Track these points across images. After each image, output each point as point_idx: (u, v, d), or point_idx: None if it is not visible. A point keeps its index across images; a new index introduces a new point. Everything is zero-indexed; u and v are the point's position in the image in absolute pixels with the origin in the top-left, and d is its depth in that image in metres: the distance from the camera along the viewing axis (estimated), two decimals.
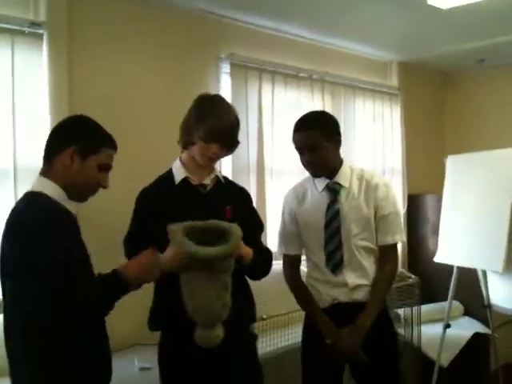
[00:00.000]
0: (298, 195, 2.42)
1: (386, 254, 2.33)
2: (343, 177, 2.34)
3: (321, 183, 2.35)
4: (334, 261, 2.28)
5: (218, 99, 2.18)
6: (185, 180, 2.10)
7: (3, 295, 1.66)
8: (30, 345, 1.59)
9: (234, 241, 1.89)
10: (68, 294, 1.53)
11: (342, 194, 2.31)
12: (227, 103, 2.17)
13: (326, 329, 2.26)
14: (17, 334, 1.62)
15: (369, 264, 2.31)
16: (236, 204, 2.15)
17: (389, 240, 2.32)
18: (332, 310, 2.28)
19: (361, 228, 2.29)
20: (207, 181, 2.14)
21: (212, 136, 2.03)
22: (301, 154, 2.31)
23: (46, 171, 1.72)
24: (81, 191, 1.75)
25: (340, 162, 2.36)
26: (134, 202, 2.14)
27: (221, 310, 1.90)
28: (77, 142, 1.70)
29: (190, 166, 2.13)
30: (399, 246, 2.61)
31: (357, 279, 2.28)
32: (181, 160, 2.16)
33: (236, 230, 1.92)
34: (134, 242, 2.02)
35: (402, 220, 2.39)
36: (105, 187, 1.78)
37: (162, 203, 2.05)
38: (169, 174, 2.15)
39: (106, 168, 1.77)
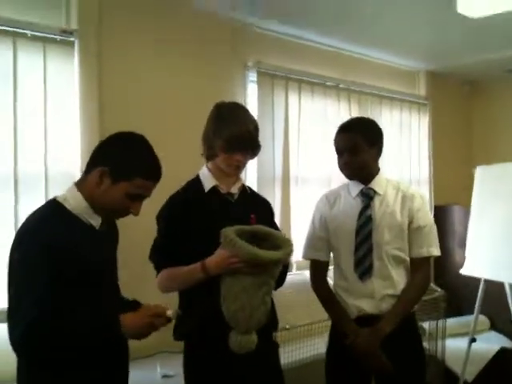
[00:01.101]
0: (330, 200, 2.41)
1: (419, 266, 2.30)
2: (378, 184, 2.33)
3: (355, 189, 2.34)
4: (363, 267, 2.26)
5: (232, 107, 2.14)
6: (213, 188, 2.11)
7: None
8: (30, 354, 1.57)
9: (290, 247, 1.91)
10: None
11: (376, 201, 2.30)
12: (243, 109, 2.15)
13: (347, 328, 2.23)
14: None
15: (398, 275, 2.27)
16: (260, 214, 2.15)
17: (424, 252, 2.29)
18: (359, 322, 2.26)
19: (393, 236, 2.26)
20: (234, 190, 2.15)
21: (232, 146, 2.03)
22: (339, 156, 2.31)
23: (80, 182, 1.70)
24: (106, 212, 1.69)
25: (377, 171, 2.36)
26: (163, 208, 2.11)
27: (262, 315, 1.89)
28: (111, 164, 1.62)
29: (217, 175, 2.13)
30: None
31: (384, 289, 2.25)
32: (208, 168, 2.16)
33: (287, 238, 1.97)
34: (167, 249, 2.03)
35: (436, 234, 2.35)
36: (135, 215, 1.71)
37: (192, 209, 2.05)
38: (196, 181, 2.15)
39: (136, 197, 1.67)
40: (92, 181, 1.64)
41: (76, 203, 1.64)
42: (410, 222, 2.29)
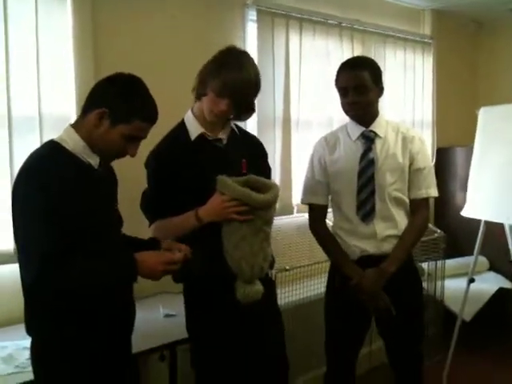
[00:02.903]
0: (329, 143, 2.39)
1: (417, 207, 2.33)
2: (379, 127, 2.31)
3: (355, 131, 2.32)
4: (365, 209, 2.27)
5: (243, 55, 2.05)
6: (200, 135, 2.05)
7: (16, 243, 1.63)
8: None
9: (277, 190, 2.00)
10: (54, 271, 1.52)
11: (378, 144, 2.29)
12: (252, 62, 2.05)
13: (351, 270, 2.26)
14: None
15: (399, 216, 2.30)
16: (251, 157, 2.12)
17: (422, 194, 2.32)
18: (360, 262, 2.28)
19: (395, 178, 2.27)
20: (222, 135, 2.09)
21: (224, 90, 1.94)
22: (344, 95, 2.26)
23: (77, 123, 1.70)
24: (104, 153, 1.70)
25: (377, 112, 2.33)
26: (150, 158, 2.08)
27: (263, 262, 1.97)
28: (110, 106, 1.63)
29: (203, 119, 2.06)
30: None
31: (386, 230, 2.28)
32: (193, 112, 2.09)
33: (274, 184, 2.07)
34: (158, 201, 2.04)
35: (434, 175, 2.36)
36: (132, 156, 1.73)
37: (180, 161, 2.01)
38: (182, 129, 2.08)
39: (134, 139, 1.70)
40: (90, 122, 1.65)
41: (74, 143, 1.65)
42: (411, 164, 2.29)
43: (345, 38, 3.92)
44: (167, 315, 2.64)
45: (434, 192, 2.35)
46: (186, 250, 1.79)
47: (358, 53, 3.95)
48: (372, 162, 2.27)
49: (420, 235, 2.40)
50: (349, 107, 2.27)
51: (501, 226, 3.55)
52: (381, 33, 4.19)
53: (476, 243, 3.49)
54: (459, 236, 4.11)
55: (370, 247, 2.28)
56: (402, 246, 2.27)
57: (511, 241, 3.63)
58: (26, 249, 1.54)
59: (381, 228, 2.27)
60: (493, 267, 4.28)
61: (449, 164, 4.64)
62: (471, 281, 3.50)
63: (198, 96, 2.07)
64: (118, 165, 1.87)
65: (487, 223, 3.44)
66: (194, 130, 2.06)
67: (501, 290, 3.85)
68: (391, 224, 2.28)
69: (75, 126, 1.70)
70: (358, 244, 2.29)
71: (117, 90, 1.68)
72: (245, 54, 2.08)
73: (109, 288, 1.66)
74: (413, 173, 2.30)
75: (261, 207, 1.93)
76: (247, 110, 2.10)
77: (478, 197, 3.45)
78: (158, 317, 2.64)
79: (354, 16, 3.97)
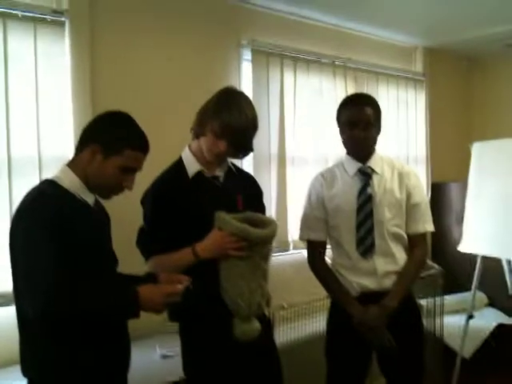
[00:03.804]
0: (327, 179, 2.40)
1: (416, 242, 2.34)
2: (376, 163, 2.34)
3: (352, 167, 2.34)
4: (365, 245, 2.27)
5: (242, 97, 2.07)
6: (198, 173, 2.07)
7: (14, 280, 1.63)
8: (49, 328, 1.60)
9: (275, 225, 1.99)
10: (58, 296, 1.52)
11: (375, 179, 2.30)
12: (251, 105, 2.07)
13: (353, 307, 2.24)
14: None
15: (398, 251, 2.30)
16: (247, 195, 2.13)
17: (420, 228, 2.33)
18: (361, 299, 2.27)
19: (393, 213, 2.28)
20: (219, 172, 2.11)
21: (224, 132, 1.97)
22: (351, 130, 2.27)
23: (72, 162, 1.74)
24: (102, 189, 1.74)
25: (374, 149, 2.35)
26: (147, 195, 2.08)
27: (260, 298, 1.95)
28: (101, 140, 1.68)
29: (200, 157, 2.07)
30: None
31: (386, 266, 2.27)
32: (191, 150, 2.10)
33: (272, 220, 2.06)
34: (154, 238, 2.03)
35: (430, 210, 2.39)
36: (128, 189, 1.76)
37: (177, 198, 2.01)
38: (179, 166, 2.09)
39: (129, 170, 1.72)
40: (84, 159, 1.70)
41: (70, 181, 1.69)
42: (407, 199, 2.31)
43: (338, 75, 3.99)
44: (164, 356, 2.60)
45: (430, 227, 2.36)
46: (186, 280, 1.78)
47: (351, 90, 4.01)
48: (370, 198, 2.28)
49: (420, 269, 2.41)
50: (352, 142, 2.29)
51: (498, 260, 3.55)
52: (373, 70, 4.27)
53: (473, 278, 3.47)
54: (457, 271, 4.09)
55: (370, 283, 2.27)
56: (402, 281, 2.27)
57: (509, 275, 3.62)
58: (32, 282, 1.53)
59: (381, 264, 2.27)
60: (491, 303, 4.25)
61: (444, 199, 4.66)
62: (470, 317, 3.47)
63: (197, 135, 2.09)
64: (111, 205, 1.87)
65: (484, 258, 3.44)
66: (192, 167, 2.07)
67: (500, 326, 3.81)
68: (391, 260, 2.28)
69: (70, 165, 1.73)
70: (358, 280, 2.28)
71: (105, 125, 1.74)
72: (243, 95, 2.10)
73: (111, 320, 1.67)
74: (410, 208, 2.31)
75: (259, 242, 1.92)
76: (246, 150, 2.11)
77: (474, 232, 3.46)
78: (155, 357, 2.61)
79: (347, 54, 4.05)
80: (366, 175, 2.31)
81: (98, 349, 1.66)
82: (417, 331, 2.40)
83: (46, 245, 1.53)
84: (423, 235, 2.37)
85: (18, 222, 1.60)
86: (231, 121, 1.96)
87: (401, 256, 2.31)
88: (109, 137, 1.70)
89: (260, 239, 1.92)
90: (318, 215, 2.38)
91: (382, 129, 2.36)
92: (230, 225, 1.90)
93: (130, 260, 1.94)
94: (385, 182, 2.31)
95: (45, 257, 1.52)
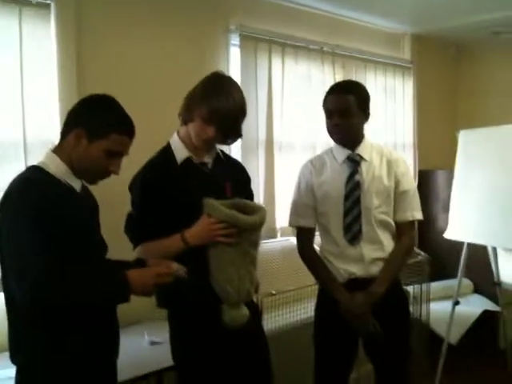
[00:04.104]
0: (316, 167, 2.40)
1: (404, 229, 2.34)
2: (364, 150, 2.34)
3: (341, 155, 2.34)
4: (352, 232, 2.27)
5: (229, 82, 2.06)
6: (186, 159, 2.05)
7: (2, 266, 1.61)
8: (38, 313, 1.58)
9: (263, 212, 1.99)
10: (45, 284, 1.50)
11: (363, 167, 2.30)
12: (239, 89, 2.05)
13: (339, 294, 2.25)
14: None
15: (385, 239, 2.31)
16: (235, 182, 2.13)
17: (408, 216, 2.33)
18: (349, 285, 2.28)
19: (381, 200, 2.28)
20: (208, 159, 2.10)
21: (212, 117, 1.95)
22: (329, 118, 2.29)
23: (57, 148, 1.71)
24: (87, 174, 1.71)
25: (363, 136, 2.35)
26: (135, 187, 2.06)
27: (249, 285, 1.96)
28: (85, 124, 1.65)
29: (189, 143, 2.05)
30: None
31: (373, 252, 2.28)
32: (179, 136, 2.09)
33: (261, 206, 2.07)
34: (143, 225, 2.01)
35: (418, 198, 2.38)
36: (115, 173, 1.73)
37: (166, 187, 2.00)
38: (168, 152, 2.07)
39: (115, 154, 1.70)
40: (69, 144, 1.67)
41: (56, 167, 1.66)
42: (396, 187, 2.31)
43: (326, 62, 3.97)
44: (152, 342, 2.59)
45: (419, 215, 2.36)
46: (181, 269, 1.76)
47: (339, 77, 4.00)
48: (358, 185, 2.28)
49: (407, 257, 2.42)
50: (333, 129, 2.30)
51: (484, 248, 3.58)
52: (361, 57, 4.26)
53: (459, 265, 3.50)
54: (443, 258, 4.12)
55: (357, 270, 2.28)
56: (389, 268, 2.28)
57: (494, 263, 3.66)
58: (20, 267, 1.51)
59: (368, 250, 2.28)
60: (477, 289, 4.30)
61: (431, 186, 4.68)
62: (456, 303, 3.51)
63: (185, 121, 2.07)
64: (99, 190, 1.85)
65: (470, 245, 3.47)
66: (180, 153, 2.05)
67: (486, 313, 3.86)
68: (378, 246, 2.29)
69: (56, 150, 1.70)
70: (346, 267, 2.29)
71: (90, 108, 1.71)
72: (231, 80, 2.09)
73: (101, 305, 1.66)
74: (398, 195, 2.32)
75: (248, 229, 1.92)
76: (234, 135, 2.10)
77: (460, 219, 3.48)
78: (143, 344, 2.60)
79: (336, 41, 4.03)
80: (354, 162, 2.31)
81: (87, 334, 1.65)
82: (403, 317, 2.42)
83: (33, 230, 1.51)
84: (411, 223, 2.36)
85: (5, 208, 1.57)
86: (219, 106, 1.94)
87: (388, 243, 2.32)
88: (93, 121, 1.67)
89: (249, 225, 1.92)
90: (307, 202, 2.38)
91: (371, 116, 2.36)
92: (219, 211, 1.90)
93: (119, 246, 1.92)
94: (373, 169, 2.31)
95: (33, 242, 1.50)
